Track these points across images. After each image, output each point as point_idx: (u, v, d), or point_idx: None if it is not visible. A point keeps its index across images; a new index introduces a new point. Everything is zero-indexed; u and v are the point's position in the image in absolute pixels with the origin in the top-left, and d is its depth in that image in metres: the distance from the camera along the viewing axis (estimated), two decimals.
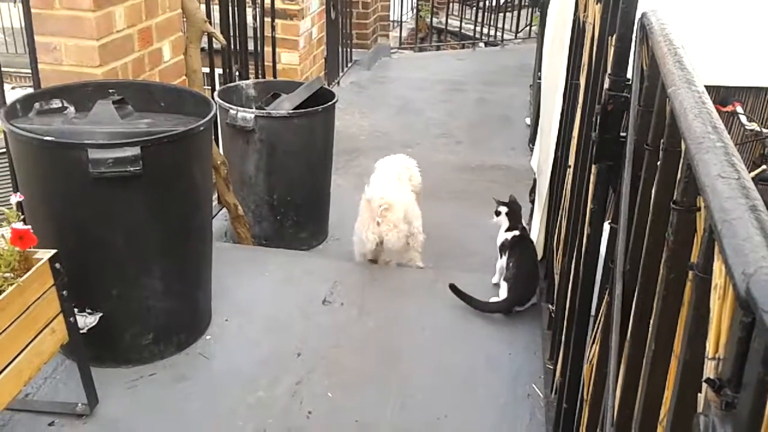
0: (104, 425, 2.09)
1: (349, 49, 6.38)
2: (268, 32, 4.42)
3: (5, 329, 1.72)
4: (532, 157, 3.67)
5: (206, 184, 2.50)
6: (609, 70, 1.57)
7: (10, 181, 2.47)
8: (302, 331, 2.60)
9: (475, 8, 8.73)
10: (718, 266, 0.67)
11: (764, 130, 3.08)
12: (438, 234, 3.66)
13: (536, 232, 2.96)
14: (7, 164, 2.44)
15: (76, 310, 2.03)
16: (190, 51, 3.11)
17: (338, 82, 6.06)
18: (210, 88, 4.03)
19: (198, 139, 2.29)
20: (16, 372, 1.76)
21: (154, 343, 2.35)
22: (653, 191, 1.07)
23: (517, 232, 2.85)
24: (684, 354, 0.82)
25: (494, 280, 2.90)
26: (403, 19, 8.68)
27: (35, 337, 1.83)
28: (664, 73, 1.04)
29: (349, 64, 6.45)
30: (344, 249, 3.44)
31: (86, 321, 2.17)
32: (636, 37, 1.44)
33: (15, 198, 2.02)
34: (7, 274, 1.77)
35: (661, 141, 1.04)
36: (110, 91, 2.43)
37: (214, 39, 3.38)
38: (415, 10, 8.97)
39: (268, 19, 4.43)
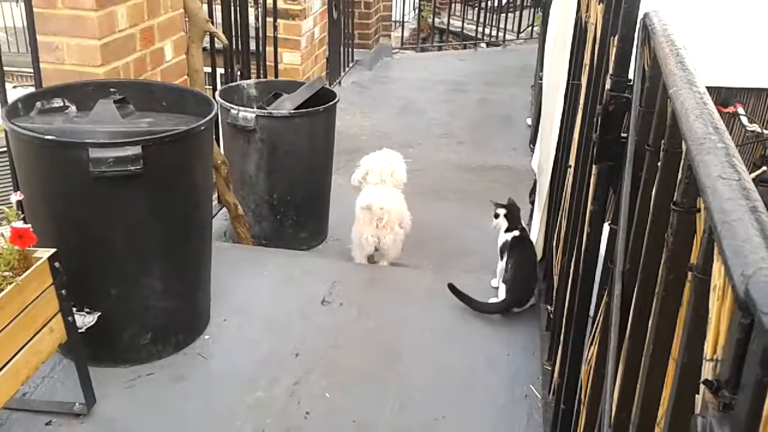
0: (102, 425, 2.09)
1: (350, 49, 6.38)
2: (270, 32, 4.41)
3: (3, 328, 1.71)
4: (533, 157, 3.67)
5: (207, 184, 2.50)
6: (610, 71, 1.57)
7: (10, 179, 2.47)
8: (301, 331, 2.60)
9: (477, 8, 8.73)
10: (717, 267, 0.67)
11: (765, 132, 3.07)
12: (438, 234, 3.67)
13: (536, 233, 2.96)
14: (8, 163, 2.44)
15: (74, 309, 2.03)
16: (192, 51, 3.11)
17: (340, 82, 6.06)
18: (211, 87, 4.04)
19: (199, 139, 2.29)
20: (14, 371, 1.76)
21: (152, 343, 2.35)
22: (654, 192, 1.07)
23: (517, 233, 2.85)
24: (682, 355, 0.82)
25: (494, 283, 2.89)
26: (405, 20, 8.70)
27: (33, 336, 1.83)
28: (666, 74, 1.03)
29: (351, 64, 6.46)
30: (344, 249, 3.45)
31: (85, 320, 2.17)
32: (638, 37, 1.43)
33: (15, 197, 2.02)
34: (6, 273, 1.77)
35: (662, 142, 1.03)
36: (112, 90, 2.43)
37: (215, 39, 3.39)
38: (417, 11, 8.97)
39: (270, 19, 4.42)
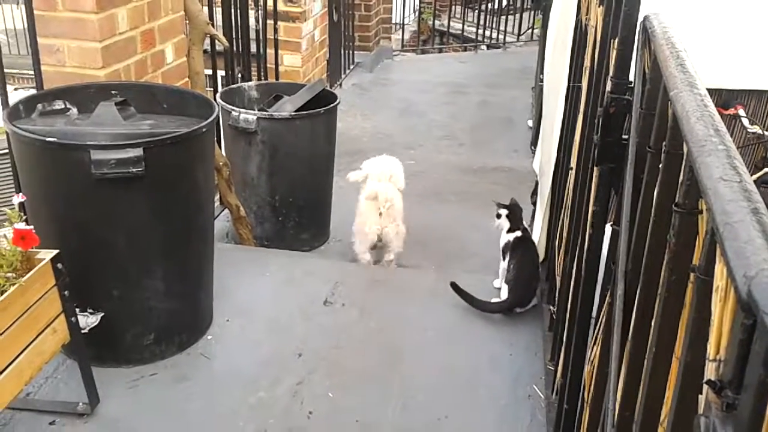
0: (105, 425, 2.09)
1: (351, 52, 6.39)
2: (270, 34, 4.42)
3: (7, 329, 1.72)
4: (534, 159, 3.68)
5: (208, 186, 2.50)
6: (611, 73, 1.58)
7: (12, 181, 2.48)
8: (303, 331, 2.60)
9: (477, 11, 8.73)
10: (719, 269, 0.67)
11: (766, 133, 3.07)
12: (440, 235, 3.67)
13: (538, 234, 2.96)
14: (10, 165, 2.45)
15: (77, 310, 2.04)
16: (193, 53, 3.12)
17: (340, 84, 6.06)
18: (212, 89, 4.04)
19: (200, 141, 2.29)
20: (18, 371, 1.77)
21: (155, 343, 2.35)
22: (655, 193, 1.08)
23: (519, 233, 2.85)
24: (685, 355, 0.82)
25: (496, 284, 2.89)
26: (406, 22, 8.70)
27: (37, 337, 1.84)
28: (666, 76, 1.04)
29: (352, 67, 6.46)
30: (346, 250, 3.45)
31: (88, 321, 2.17)
32: (638, 40, 1.44)
33: (17, 199, 2.03)
34: (9, 274, 1.77)
35: (663, 144, 1.04)
36: (113, 92, 2.44)
37: (216, 41, 3.39)
38: (417, 13, 8.97)
39: (270, 21, 4.43)
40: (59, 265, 1.90)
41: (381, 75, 6.77)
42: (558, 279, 2.39)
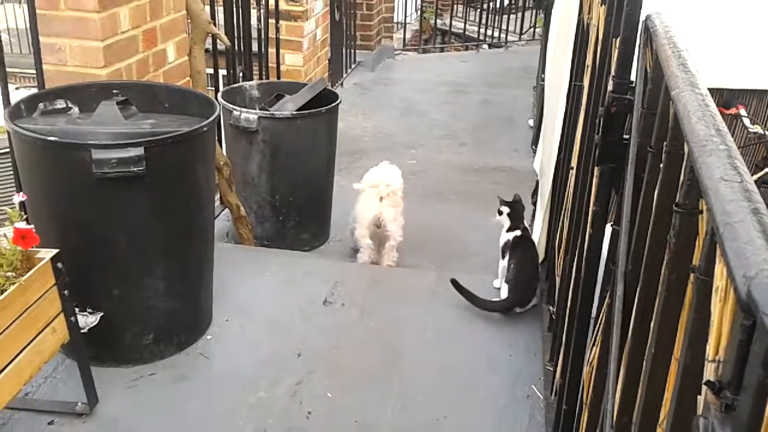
0: (104, 425, 2.09)
1: (352, 51, 6.39)
2: (272, 33, 4.42)
3: (6, 328, 1.72)
4: (535, 158, 3.67)
5: (209, 185, 2.50)
6: (613, 73, 1.57)
7: (13, 180, 2.48)
8: (303, 331, 2.60)
9: (479, 10, 8.74)
10: (719, 269, 0.67)
11: (767, 133, 3.07)
12: (440, 235, 3.67)
13: (538, 234, 2.96)
14: (11, 164, 2.45)
15: (77, 309, 2.04)
16: (195, 52, 3.12)
17: (342, 84, 6.06)
18: (214, 89, 4.04)
19: (201, 140, 2.29)
20: (17, 371, 1.77)
21: (154, 343, 2.35)
22: (656, 193, 1.07)
23: (518, 233, 2.85)
24: (684, 356, 0.82)
25: (496, 284, 2.89)
26: (407, 21, 8.69)
27: (36, 336, 1.83)
28: (668, 76, 1.04)
29: (353, 66, 6.46)
30: (346, 250, 3.45)
31: (87, 320, 2.17)
32: (640, 39, 1.44)
33: (18, 198, 2.02)
34: (9, 274, 1.77)
35: (664, 143, 1.04)
36: (114, 91, 2.44)
37: (218, 40, 3.39)
38: (419, 12, 8.98)
39: (272, 21, 4.43)
40: (59, 265, 1.90)
41: (382, 74, 6.77)
42: (558, 279, 2.39)
